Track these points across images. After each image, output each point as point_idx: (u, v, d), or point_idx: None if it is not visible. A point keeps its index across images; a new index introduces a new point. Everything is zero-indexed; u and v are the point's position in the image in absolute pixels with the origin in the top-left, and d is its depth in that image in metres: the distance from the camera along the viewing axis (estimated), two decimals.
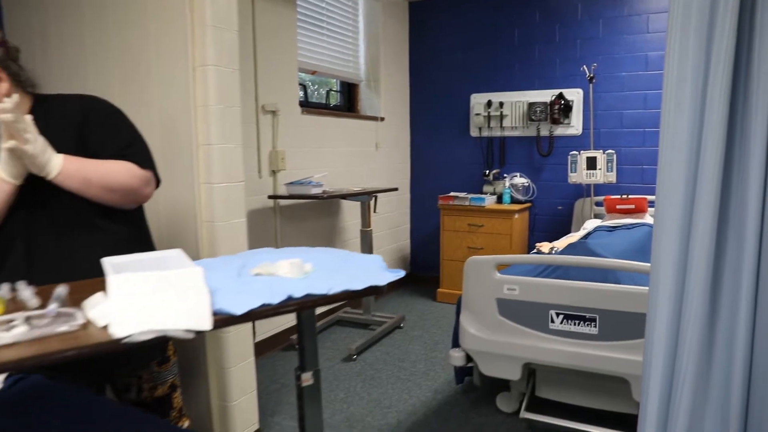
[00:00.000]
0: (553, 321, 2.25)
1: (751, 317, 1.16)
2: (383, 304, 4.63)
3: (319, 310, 4.00)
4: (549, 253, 3.03)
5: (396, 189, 4.25)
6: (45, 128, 1.38)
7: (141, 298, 0.97)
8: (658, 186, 1.23)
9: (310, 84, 4.30)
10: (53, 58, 2.40)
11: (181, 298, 0.99)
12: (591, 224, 3.64)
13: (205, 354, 2.24)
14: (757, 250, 1.14)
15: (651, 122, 4.23)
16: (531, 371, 2.57)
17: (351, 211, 4.34)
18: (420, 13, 5.08)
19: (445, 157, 5.10)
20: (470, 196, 4.50)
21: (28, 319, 0.99)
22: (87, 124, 1.48)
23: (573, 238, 3.36)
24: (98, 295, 1.05)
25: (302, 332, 1.44)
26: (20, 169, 1.35)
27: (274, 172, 3.54)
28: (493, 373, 2.43)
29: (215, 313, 1.00)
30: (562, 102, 4.40)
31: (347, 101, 4.76)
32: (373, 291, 1.16)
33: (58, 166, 1.37)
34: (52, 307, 1.03)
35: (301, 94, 4.05)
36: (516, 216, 4.37)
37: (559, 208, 4.66)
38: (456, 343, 2.59)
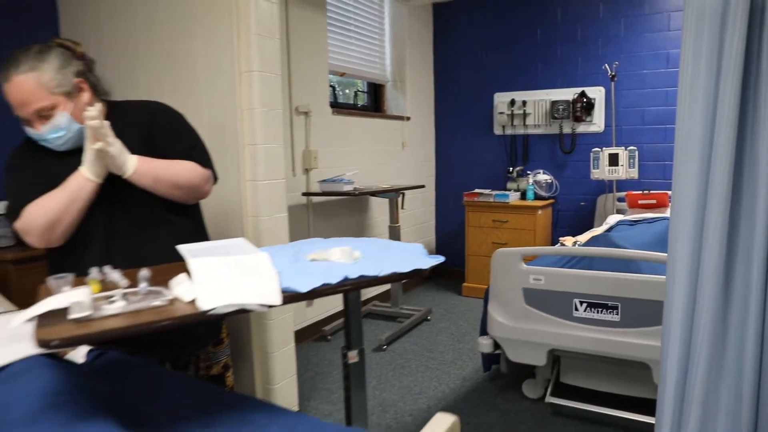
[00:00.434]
0: (576, 309, 2.37)
1: (762, 302, 1.26)
2: (410, 297, 4.78)
3: None
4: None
5: (423, 186, 4.39)
6: (118, 132, 1.55)
7: (222, 278, 1.13)
8: (674, 179, 1.33)
9: (336, 85, 4.46)
10: (106, 63, 2.58)
11: (255, 278, 1.15)
12: (613, 219, 3.74)
13: (251, 340, 2.41)
14: (767, 239, 1.24)
15: (672, 119, 4.28)
16: (556, 358, 2.69)
17: (379, 207, 4.49)
18: (444, 15, 5.22)
19: (469, 155, 5.23)
20: (494, 192, 4.63)
21: (124, 296, 1.15)
22: (154, 127, 1.65)
23: (596, 232, 3.46)
24: (181, 275, 1.21)
25: (348, 314, 1.59)
26: (102, 169, 1.52)
27: (307, 171, 3.71)
28: (519, 359, 2.56)
29: (283, 291, 1.16)
30: (585, 100, 4.50)
31: (374, 101, 4.91)
32: (416, 274, 1.31)
33: (133, 165, 1.54)
34: (143, 285, 1.19)
35: (330, 95, 4.21)
36: (539, 212, 4.48)
37: (582, 203, 4.77)
38: (484, 331, 2.73)
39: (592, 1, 4.55)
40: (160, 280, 1.26)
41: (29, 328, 1.46)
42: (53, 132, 1.51)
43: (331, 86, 4.23)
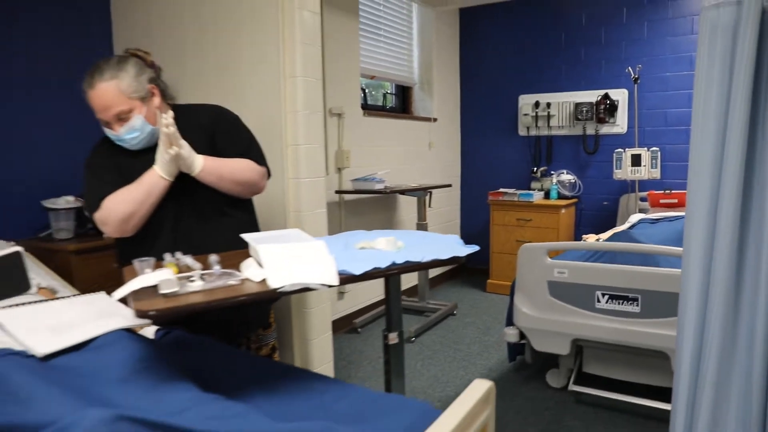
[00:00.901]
0: (599, 301, 2.50)
1: None
2: (437, 293, 4.94)
3: (379, 298, 4.33)
4: None
5: (450, 185, 4.55)
6: (184, 133, 1.73)
7: (288, 261, 1.30)
8: (689, 177, 1.46)
9: (366, 87, 4.63)
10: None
11: (315, 262, 1.32)
12: (635, 218, 3.85)
13: (292, 327, 2.59)
14: None
15: None
16: (579, 349, 2.82)
17: (407, 206, 4.66)
18: (470, 19, 5.36)
19: (494, 155, 5.37)
20: (519, 191, 4.76)
21: (202, 276, 1.33)
22: (216, 129, 1.84)
23: (618, 231, 3.58)
24: (249, 260, 1.39)
25: (389, 299, 1.76)
26: (174, 169, 1.71)
27: (339, 170, 3.88)
28: (544, 348, 2.70)
29: (339, 273, 1.32)
30: (608, 102, 4.62)
31: (402, 103, 5.08)
32: (455, 261, 1.47)
33: (200, 164, 1.72)
34: (217, 268, 1.37)
35: (360, 97, 4.39)
36: (563, 211, 4.61)
37: (605, 203, 4.87)
38: (510, 322, 2.87)
39: (616, 6, 4.66)
40: (226, 265, 1.43)
41: (113, 307, 1.66)
42: (129, 133, 1.70)
43: (361, 89, 4.40)
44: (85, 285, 2.36)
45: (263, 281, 1.29)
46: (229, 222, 1.84)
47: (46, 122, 2.81)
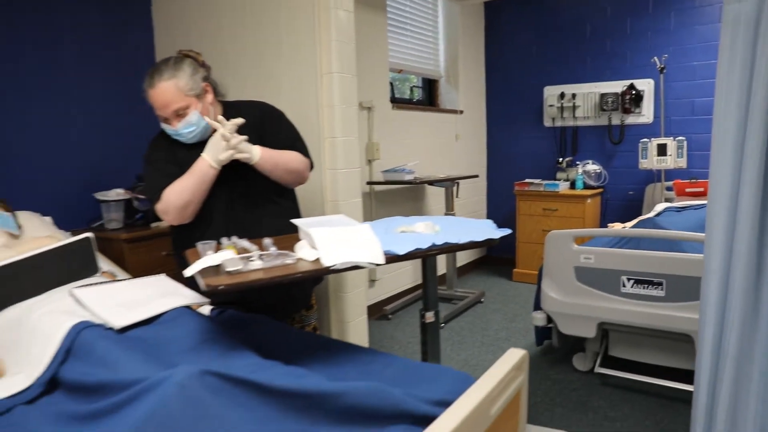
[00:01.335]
0: (624, 285, 2.60)
1: None
2: (464, 282, 5.05)
3: (408, 286, 4.46)
4: None
5: (476, 176, 4.65)
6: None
7: (338, 242, 1.43)
8: (711, 166, 1.53)
9: (393, 81, 4.75)
10: None
11: (363, 243, 1.45)
12: (661, 206, 3.91)
13: (329, 310, 2.73)
14: None
15: None
16: (604, 332, 2.92)
17: (434, 196, 4.77)
18: (494, 12, 5.43)
19: (520, 146, 5.45)
20: (545, 182, 4.84)
21: (260, 256, 1.47)
22: (264, 124, 1.98)
23: (644, 218, 3.65)
24: (302, 242, 1.52)
25: (426, 280, 1.88)
26: (225, 160, 1.85)
27: (369, 161, 4.01)
28: (570, 332, 2.80)
29: (385, 253, 1.45)
30: (633, 92, 4.66)
31: (428, 96, 5.18)
32: (489, 242, 1.59)
33: (258, 154, 1.86)
34: (273, 249, 1.50)
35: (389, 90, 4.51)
36: (588, 200, 4.67)
37: (630, 193, 4.93)
38: (538, 306, 2.97)
39: None
40: (279, 248, 1.57)
41: (172, 287, 1.81)
42: (186, 127, 1.85)
43: (389, 82, 4.52)
44: (135, 271, 2.53)
45: (316, 260, 1.42)
46: (275, 209, 1.98)
47: (97, 120, 2.99)
